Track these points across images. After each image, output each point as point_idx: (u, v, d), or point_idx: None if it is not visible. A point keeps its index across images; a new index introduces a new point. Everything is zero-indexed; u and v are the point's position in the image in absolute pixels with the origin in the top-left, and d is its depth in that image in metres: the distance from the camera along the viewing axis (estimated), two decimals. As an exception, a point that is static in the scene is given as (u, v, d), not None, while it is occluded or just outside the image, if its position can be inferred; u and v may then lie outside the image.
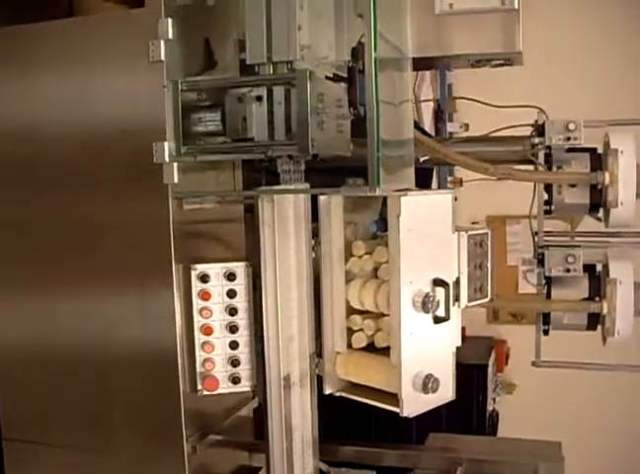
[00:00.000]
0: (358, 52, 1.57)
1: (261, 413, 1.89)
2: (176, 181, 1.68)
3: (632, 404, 4.80)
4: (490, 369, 4.21)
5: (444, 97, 4.33)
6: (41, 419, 1.95)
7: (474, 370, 4.01)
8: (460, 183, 4.31)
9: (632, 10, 4.73)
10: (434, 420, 3.04)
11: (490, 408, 4.28)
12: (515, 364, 4.89)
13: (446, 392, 1.90)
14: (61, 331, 1.90)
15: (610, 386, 4.70)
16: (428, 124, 4.04)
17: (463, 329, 4.68)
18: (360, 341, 1.94)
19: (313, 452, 2.02)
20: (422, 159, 2.21)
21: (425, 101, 3.81)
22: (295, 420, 1.93)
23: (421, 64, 2.07)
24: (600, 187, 2.05)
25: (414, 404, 1.79)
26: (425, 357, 1.81)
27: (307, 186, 1.83)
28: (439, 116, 4.18)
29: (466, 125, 3.95)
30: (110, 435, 1.88)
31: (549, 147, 2.12)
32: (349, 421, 3.63)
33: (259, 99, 1.65)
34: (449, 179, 4.29)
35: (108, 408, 1.87)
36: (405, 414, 1.78)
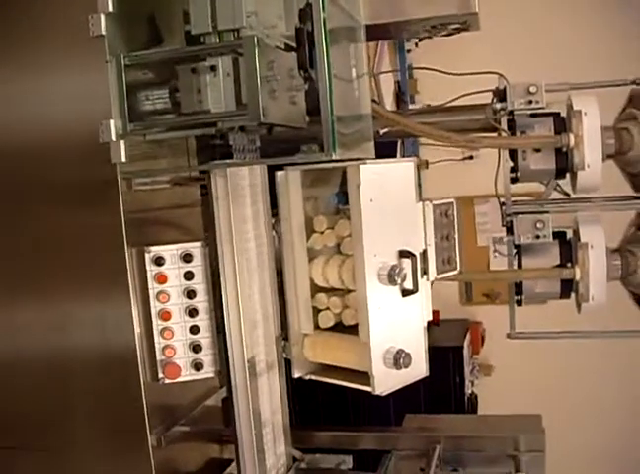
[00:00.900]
0: (306, 14, 1.50)
1: (229, 403, 1.82)
2: (124, 160, 1.59)
3: (609, 380, 4.81)
4: (466, 351, 4.18)
5: (405, 79, 4.28)
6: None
7: (450, 352, 3.97)
8: (426, 165, 4.27)
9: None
10: (411, 404, 3.01)
11: (468, 391, 4.25)
12: (491, 346, 4.86)
13: (420, 368, 1.83)
14: (16, 324, 1.81)
15: (589, 364, 4.72)
16: (389, 106, 3.99)
17: (437, 312, 4.70)
18: (327, 320, 1.87)
19: (285, 440, 1.96)
20: (382, 132, 2.15)
21: (385, 73, 3.75)
22: (264, 407, 1.86)
23: (375, 33, 2.00)
24: (565, 150, 2.00)
25: (386, 381, 1.72)
26: (395, 333, 1.74)
27: (263, 161, 1.76)
28: (400, 97, 4.14)
29: (428, 106, 3.90)
30: (71, 434, 1.79)
31: (512, 112, 2.07)
32: (325, 408, 3.57)
33: (213, 69, 1.57)
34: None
35: (67, 405, 1.77)
36: (377, 392, 1.72)
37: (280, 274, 1.87)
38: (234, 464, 1.91)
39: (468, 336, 4.44)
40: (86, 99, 1.68)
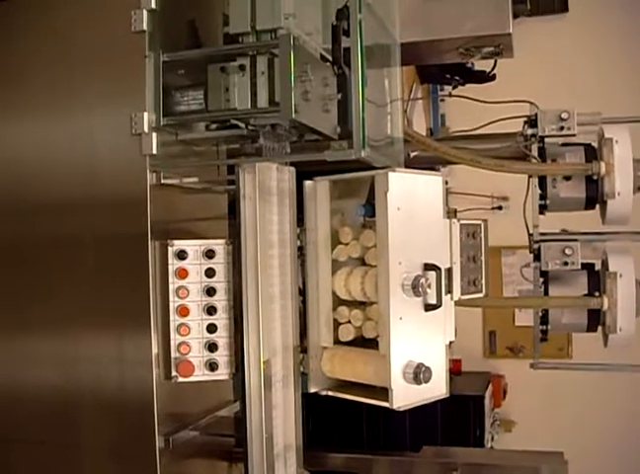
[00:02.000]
0: (342, 13, 1.53)
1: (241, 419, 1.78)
2: (154, 152, 1.62)
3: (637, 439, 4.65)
4: (487, 402, 4.07)
5: (437, 127, 4.32)
6: (9, 415, 1.82)
7: (470, 402, 3.87)
8: (454, 213, 4.25)
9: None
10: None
11: (488, 445, 4.11)
12: (513, 401, 4.74)
13: (440, 388, 1.78)
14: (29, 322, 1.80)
15: (615, 425, 4.58)
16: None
17: (459, 361, 4.59)
18: (347, 333, 1.84)
19: (297, 456, 1.89)
20: (412, 154, 2.15)
21: (415, 99, 3.78)
22: (277, 420, 1.81)
23: (407, 54, 2.02)
24: (595, 177, 1.99)
25: (405, 396, 1.67)
26: (416, 347, 1.70)
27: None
28: (431, 143, 4.16)
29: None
30: (78, 432, 1.76)
31: (542, 139, 2.07)
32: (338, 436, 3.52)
33: (242, 68, 1.60)
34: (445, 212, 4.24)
35: (76, 401, 1.75)
36: (395, 406, 1.66)
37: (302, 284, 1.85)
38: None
39: (490, 388, 4.34)
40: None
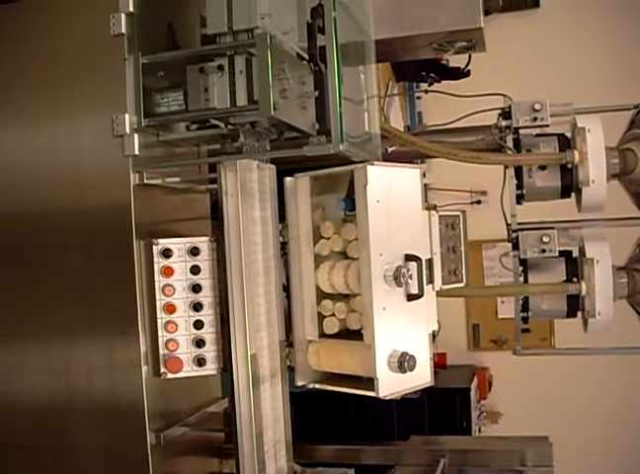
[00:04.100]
0: (317, 11, 1.56)
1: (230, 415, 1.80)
2: (137, 153, 1.64)
3: (623, 428, 4.72)
4: (473, 394, 4.11)
5: (415, 124, 4.36)
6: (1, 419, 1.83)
7: (456, 394, 3.90)
8: (434, 208, 4.29)
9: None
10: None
11: (475, 437, 4.16)
12: (499, 393, 4.79)
13: (424, 376, 1.81)
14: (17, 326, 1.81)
15: (602, 413, 4.64)
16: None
17: (444, 354, 4.62)
18: (332, 326, 1.87)
19: (287, 449, 1.92)
20: (389, 149, 2.19)
21: (394, 95, 3.82)
22: (266, 413, 1.84)
23: (381, 52, 2.05)
24: (570, 166, 2.03)
25: (390, 384, 1.70)
26: (399, 337, 1.73)
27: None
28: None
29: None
30: (69, 431, 1.77)
31: (517, 131, 2.11)
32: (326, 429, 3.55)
33: (220, 68, 1.63)
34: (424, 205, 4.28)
35: (67, 402, 1.76)
36: (381, 395, 1.69)
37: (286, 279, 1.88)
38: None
39: (475, 380, 4.38)
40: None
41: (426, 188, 4.35)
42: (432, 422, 3.74)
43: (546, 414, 4.53)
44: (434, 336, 1.94)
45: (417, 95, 4.44)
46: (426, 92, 4.40)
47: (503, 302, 4.63)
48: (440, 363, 4.07)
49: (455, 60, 3.53)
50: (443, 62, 3.64)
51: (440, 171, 4.41)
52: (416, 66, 3.69)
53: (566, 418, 4.57)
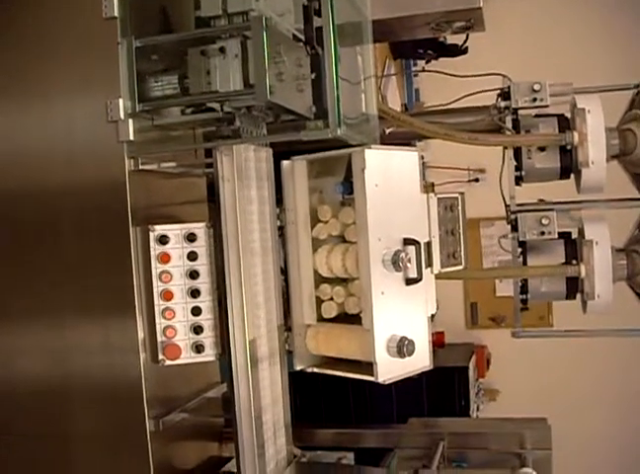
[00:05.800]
0: (313, -7, 1.53)
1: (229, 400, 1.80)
2: (132, 138, 1.62)
3: (621, 407, 4.75)
4: (471, 373, 4.13)
5: (412, 102, 4.33)
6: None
7: (455, 373, 3.92)
8: (432, 187, 4.28)
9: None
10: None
11: (474, 415, 4.18)
12: (497, 371, 4.82)
13: (423, 360, 1.81)
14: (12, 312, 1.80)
15: (600, 392, 4.67)
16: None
17: (442, 333, 4.63)
18: (330, 310, 1.86)
19: (286, 434, 1.92)
20: (387, 131, 2.17)
21: (390, 75, 3.79)
22: (265, 396, 1.84)
23: (378, 32, 2.02)
24: (569, 147, 2.02)
25: (389, 369, 1.70)
26: (398, 321, 1.73)
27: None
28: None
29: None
30: (70, 420, 1.77)
31: (516, 111, 2.09)
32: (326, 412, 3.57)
33: (222, 51, 1.60)
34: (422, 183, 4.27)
35: (65, 390, 1.76)
36: (380, 380, 1.69)
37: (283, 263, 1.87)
38: (234, 461, 1.88)
39: (473, 359, 4.40)
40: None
41: (423, 166, 4.34)
42: (430, 400, 3.76)
43: (544, 391, 4.56)
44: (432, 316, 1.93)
45: (414, 73, 4.40)
46: (423, 70, 4.37)
47: (501, 281, 4.63)
48: (438, 342, 4.07)
49: (453, 37, 3.49)
50: (441, 40, 3.61)
51: (437, 149, 4.38)
52: (413, 44, 3.66)
53: (564, 394, 4.60)
